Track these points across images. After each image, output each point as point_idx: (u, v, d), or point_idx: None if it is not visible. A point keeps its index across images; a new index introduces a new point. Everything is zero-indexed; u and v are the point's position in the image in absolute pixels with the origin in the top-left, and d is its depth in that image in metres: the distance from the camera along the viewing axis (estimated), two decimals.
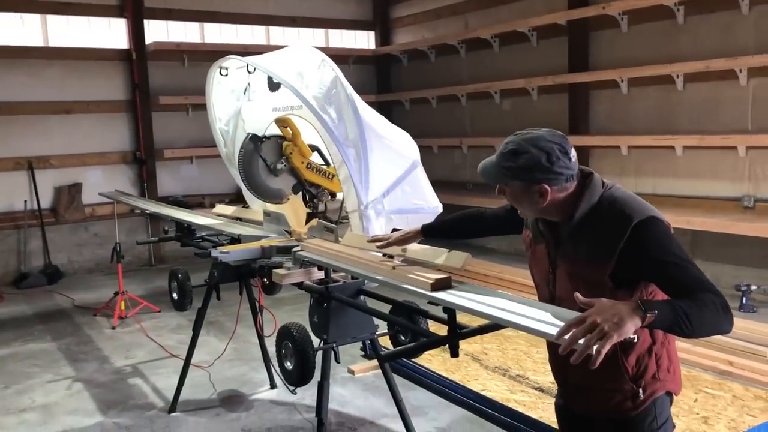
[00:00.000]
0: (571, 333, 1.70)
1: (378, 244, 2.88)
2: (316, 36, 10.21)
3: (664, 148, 6.80)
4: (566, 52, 7.76)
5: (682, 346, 4.88)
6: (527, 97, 8.20)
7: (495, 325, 2.53)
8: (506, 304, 2.32)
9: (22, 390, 4.86)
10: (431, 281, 2.55)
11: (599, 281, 2.00)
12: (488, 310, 2.23)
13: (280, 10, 9.70)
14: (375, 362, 5.03)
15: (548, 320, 2.16)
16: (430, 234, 2.79)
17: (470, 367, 4.86)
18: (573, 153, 2.06)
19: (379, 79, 10.50)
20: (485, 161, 2.19)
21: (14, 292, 7.75)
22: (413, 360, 4.73)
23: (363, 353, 5.26)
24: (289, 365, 3.16)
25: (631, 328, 1.69)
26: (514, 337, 5.38)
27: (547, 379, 4.59)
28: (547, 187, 2.03)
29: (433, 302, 2.56)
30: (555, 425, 3.86)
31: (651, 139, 6.77)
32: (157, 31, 8.92)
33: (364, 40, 10.75)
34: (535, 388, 4.46)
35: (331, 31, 10.44)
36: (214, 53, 8.81)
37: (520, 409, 4.10)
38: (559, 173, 2.02)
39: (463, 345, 5.13)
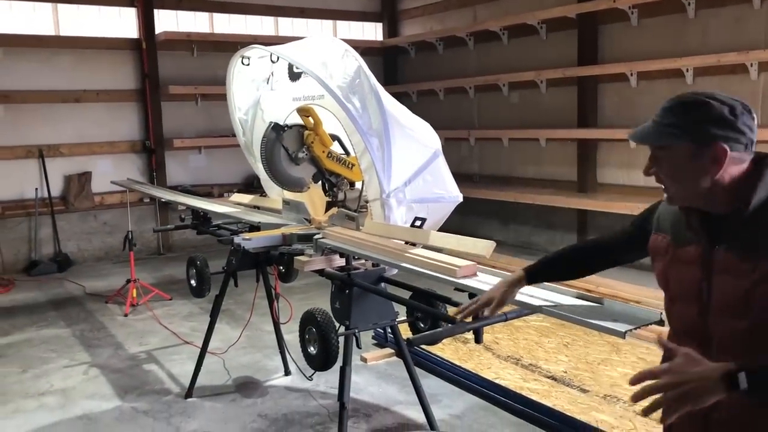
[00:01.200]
0: (643, 385, 1.48)
1: (464, 313, 2.28)
2: (325, 27, 10.23)
3: None
4: (575, 45, 7.79)
5: None
6: (536, 89, 8.23)
7: (521, 312, 2.58)
8: (534, 291, 2.38)
9: (39, 374, 4.92)
10: (458, 268, 2.60)
11: None
12: (518, 297, 2.28)
13: (289, 1, 9.71)
14: (387, 350, 5.11)
15: (581, 307, 2.22)
16: (535, 280, 2.20)
17: (482, 356, 4.92)
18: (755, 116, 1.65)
19: (386, 71, 10.52)
20: (640, 126, 1.78)
21: (25, 279, 7.81)
22: (425, 348, 4.79)
23: (375, 341, 5.32)
24: (312, 350, 3.21)
25: (709, 400, 1.44)
26: (524, 328, 5.44)
27: (559, 368, 4.66)
28: (726, 147, 1.59)
29: (460, 288, 2.62)
30: (568, 413, 3.94)
31: None
32: (166, 21, 8.94)
33: (371, 31, 10.77)
34: (548, 377, 4.52)
35: (340, 23, 10.46)
36: (224, 43, 8.96)
37: (533, 397, 4.16)
38: (741, 132, 1.60)
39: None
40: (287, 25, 9.92)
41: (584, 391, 4.28)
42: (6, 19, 7.99)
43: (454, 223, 3.73)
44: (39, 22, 8.21)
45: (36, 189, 8.16)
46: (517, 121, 8.66)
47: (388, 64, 10.60)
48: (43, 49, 8.13)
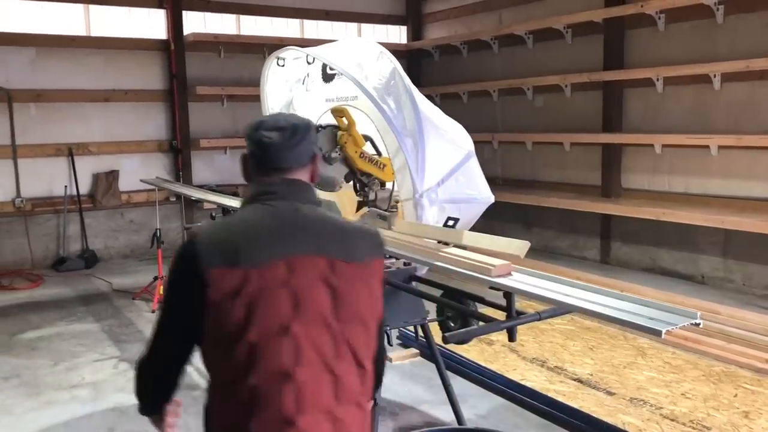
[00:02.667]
0: None
1: None
2: (349, 29, 10.31)
3: (698, 147, 6.83)
4: (601, 49, 7.79)
5: (716, 343, 4.94)
6: (560, 93, 8.24)
7: (555, 311, 2.61)
8: (569, 290, 2.41)
9: (71, 367, 5.02)
10: (493, 267, 2.64)
11: None
12: (555, 296, 2.32)
13: (315, 4, 9.81)
14: (412, 350, 5.14)
15: (618, 306, 2.25)
16: None
17: (507, 357, 4.94)
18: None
19: (409, 74, 10.35)
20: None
21: (53, 274, 7.94)
22: (451, 349, 4.82)
23: (399, 341, 5.35)
24: None
25: None
26: (549, 331, 5.45)
27: (585, 371, 4.67)
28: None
29: (495, 287, 2.65)
30: (594, 415, 3.95)
31: (686, 138, 6.79)
32: (194, 22, 9.05)
33: (396, 34, 10.82)
34: (574, 379, 4.53)
35: (364, 25, 10.52)
36: (250, 45, 9.06)
37: (559, 399, 4.17)
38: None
39: (500, 336, 5.25)
40: (312, 28, 10.00)
41: (610, 393, 4.29)
42: (39, 20, 8.15)
43: (476, 227, 3.75)
44: (71, 22, 8.36)
45: (65, 186, 8.29)
46: (541, 124, 8.66)
47: (412, 67, 10.63)
48: (74, 49, 8.27)
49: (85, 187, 8.49)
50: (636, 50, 7.54)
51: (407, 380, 4.71)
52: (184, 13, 8.82)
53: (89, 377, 4.83)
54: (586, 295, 2.37)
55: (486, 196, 3.48)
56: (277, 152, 1.79)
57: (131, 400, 4.46)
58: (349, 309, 1.68)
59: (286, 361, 1.61)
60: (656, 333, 2.04)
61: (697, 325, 2.10)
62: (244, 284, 1.61)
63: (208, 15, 9.19)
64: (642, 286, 6.10)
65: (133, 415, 4.19)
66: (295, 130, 1.80)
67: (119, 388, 4.63)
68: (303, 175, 1.85)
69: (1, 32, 7.89)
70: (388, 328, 3.30)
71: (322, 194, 4.14)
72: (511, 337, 2.69)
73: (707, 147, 6.70)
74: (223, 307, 1.61)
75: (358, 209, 4.01)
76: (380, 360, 1.88)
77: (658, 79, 7.08)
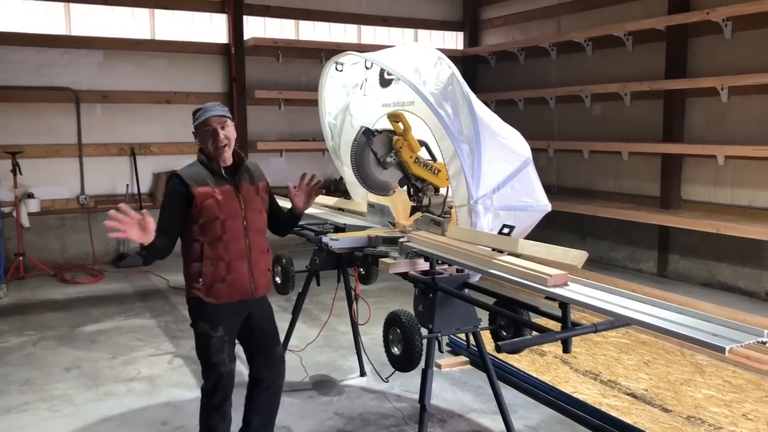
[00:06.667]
0: None
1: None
2: (406, 35, 10.35)
3: (765, 159, 6.59)
4: (663, 57, 7.61)
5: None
6: (619, 102, 8.08)
7: (612, 324, 2.56)
8: (629, 303, 2.36)
9: (128, 361, 5.17)
10: (549, 276, 2.60)
11: None
12: (613, 308, 2.27)
13: (372, 10, 9.89)
14: (461, 358, 5.12)
15: (679, 321, 2.18)
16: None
17: (560, 369, 4.86)
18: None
19: (465, 80, 10.48)
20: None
21: (113, 270, 8.20)
22: (502, 358, 4.77)
23: (449, 348, 5.33)
24: (396, 351, 3.26)
25: None
26: (603, 343, 5.34)
27: (640, 386, 4.56)
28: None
29: (551, 297, 2.62)
30: (649, 431, 3.85)
31: (752, 150, 6.55)
32: (254, 27, 9.23)
33: (452, 40, 10.81)
34: (628, 394, 4.42)
35: (421, 31, 10.55)
36: (308, 50, 9.19)
37: (612, 413, 4.08)
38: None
39: (552, 347, 5.17)
40: (369, 33, 10.08)
41: (666, 410, 4.17)
42: (107, 24, 8.44)
43: (530, 236, 3.70)
44: (137, 27, 8.63)
45: (127, 185, 8.57)
46: (599, 133, 8.51)
47: (468, 73, 10.59)
48: (139, 52, 8.54)
49: (145, 186, 8.75)
50: (700, 58, 7.33)
51: (456, 387, 4.69)
52: (245, 18, 9.02)
53: (145, 371, 4.97)
54: (645, 308, 2.31)
55: (543, 204, 3.44)
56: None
57: (185, 395, 4.60)
58: (260, 205, 3.27)
59: (241, 229, 3.12)
60: (719, 350, 1.98)
61: (764, 343, 2.03)
62: (213, 193, 3.07)
63: (268, 20, 9.36)
64: (701, 301, 5.91)
65: (187, 410, 4.31)
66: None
67: (173, 384, 4.74)
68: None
69: (73, 35, 8.23)
70: (440, 334, 3.29)
71: (374, 198, 4.16)
72: (566, 349, 2.65)
73: None
74: (205, 205, 3.04)
75: (411, 214, 4.01)
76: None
77: (723, 89, 6.87)
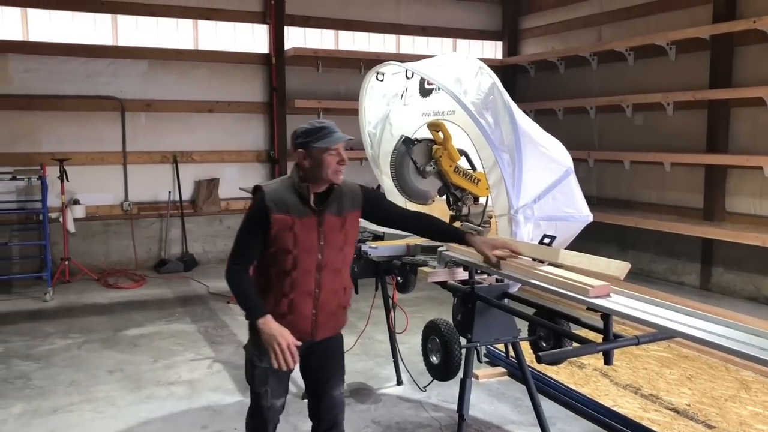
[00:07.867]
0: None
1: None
2: (445, 45, 10.36)
3: None
4: (707, 66, 7.48)
5: None
6: (661, 111, 7.96)
7: (656, 336, 2.52)
8: (673, 315, 2.32)
9: (169, 365, 5.26)
10: (591, 287, 2.58)
11: None
12: (657, 321, 2.24)
13: (411, 20, 9.93)
14: (499, 369, 5.08)
15: (725, 334, 2.14)
16: None
17: (599, 382, 4.79)
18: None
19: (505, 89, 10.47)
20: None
21: (155, 276, 8.36)
22: (540, 370, 4.73)
23: (487, 359, 5.30)
24: (434, 359, 3.26)
25: None
26: (644, 357, 5.25)
27: (682, 401, 4.46)
28: (302, 151, 2.81)
29: (592, 308, 2.59)
30: None
31: None
32: (295, 38, 9.35)
33: (491, 50, 10.79)
34: (670, 409, 4.34)
35: (460, 41, 10.55)
36: (347, 60, 9.27)
37: (654, 428, 4.00)
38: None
39: (591, 360, 5.10)
40: (408, 43, 10.12)
41: (710, 427, 4.08)
42: (152, 35, 8.65)
43: (569, 246, 3.66)
44: (181, 37, 8.83)
45: (169, 192, 8.74)
46: (640, 143, 8.38)
47: (507, 83, 10.49)
48: (182, 62, 8.73)
49: (187, 194, 8.91)
50: (745, 68, 7.19)
51: (494, 399, 4.66)
52: (286, 28, 9.15)
53: (185, 375, 5.05)
54: (690, 320, 2.28)
55: (584, 215, 3.41)
56: None
57: (224, 399, 4.65)
58: (342, 241, 2.89)
59: (314, 267, 2.81)
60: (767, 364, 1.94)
61: None
62: (292, 225, 2.75)
63: (309, 30, 9.48)
64: (745, 315, 5.77)
65: (226, 415, 4.37)
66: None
67: (213, 388, 4.81)
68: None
69: (119, 46, 8.45)
70: (479, 343, 3.28)
71: (413, 207, 4.17)
72: (608, 361, 2.61)
73: None
74: (280, 234, 2.75)
75: (450, 223, 4.01)
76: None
77: None
